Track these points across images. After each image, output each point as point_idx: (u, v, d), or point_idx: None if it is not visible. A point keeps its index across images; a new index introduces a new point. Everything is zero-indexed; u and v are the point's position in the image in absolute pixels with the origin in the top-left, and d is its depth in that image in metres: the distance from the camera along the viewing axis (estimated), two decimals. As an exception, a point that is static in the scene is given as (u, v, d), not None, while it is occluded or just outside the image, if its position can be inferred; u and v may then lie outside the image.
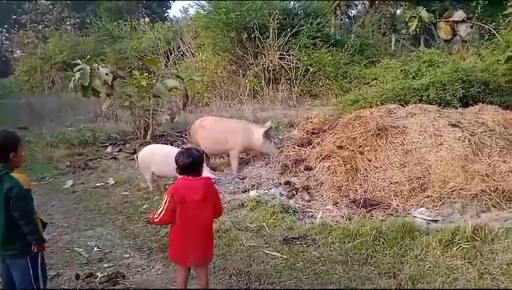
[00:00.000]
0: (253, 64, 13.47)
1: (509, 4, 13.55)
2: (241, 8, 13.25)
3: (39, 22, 30.14)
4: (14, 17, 38.34)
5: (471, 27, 17.02)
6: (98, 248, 4.49)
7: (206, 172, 5.94)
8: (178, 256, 3.17)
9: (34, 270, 2.87)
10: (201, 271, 3.23)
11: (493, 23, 14.40)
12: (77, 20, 37.81)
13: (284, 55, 13.25)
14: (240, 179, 6.65)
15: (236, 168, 6.93)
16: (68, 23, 37.19)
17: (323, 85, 13.06)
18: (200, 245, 3.10)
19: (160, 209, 3.04)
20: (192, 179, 3.06)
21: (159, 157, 5.95)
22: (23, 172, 2.92)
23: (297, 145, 7.10)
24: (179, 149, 5.41)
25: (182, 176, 3.11)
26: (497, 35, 13.42)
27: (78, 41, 22.44)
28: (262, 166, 7.14)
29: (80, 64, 8.91)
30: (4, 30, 40.70)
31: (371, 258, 4.02)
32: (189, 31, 17.06)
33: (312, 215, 5.21)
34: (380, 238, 4.29)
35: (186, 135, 9.19)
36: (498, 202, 5.00)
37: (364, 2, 27.60)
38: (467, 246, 4.02)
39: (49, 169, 7.65)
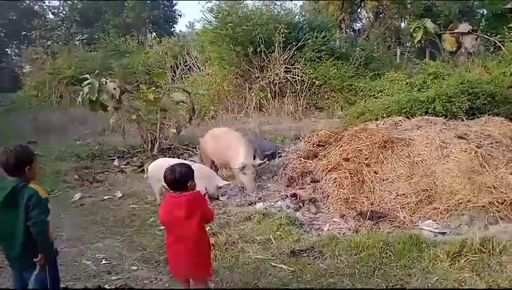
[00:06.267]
0: (259, 77, 13.59)
1: (514, 17, 13.62)
2: (247, 22, 13.41)
3: (48, 38, 30.64)
4: (23, 33, 39.01)
5: (476, 39, 17.08)
6: (106, 260, 4.51)
7: (218, 181, 6.05)
8: (171, 268, 3.35)
9: (51, 281, 2.91)
10: (197, 285, 3.28)
11: (498, 36, 14.46)
12: (85, 35, 38.42)
13: (289, 68, 13.36)
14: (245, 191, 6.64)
15: (240, 181, 6.74)
16: (77, 38, 37.76)
17: (328, 98, 13.14)
18: (188, 260, 3.12)
19: None
20: (176, 196, 3.09)
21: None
22: (39, 184, 2.98)
23: (304, 158, 7.12)
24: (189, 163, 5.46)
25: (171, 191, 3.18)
26: (502, 47, 13.46)
27: (86, 56, 22.75)
28: (268, 178, 7.16)
29: (88, 79, 9.03)
30: (14, 46, 41.38)
31: (378, 270, 4.00)
32: (196, 45, 17.27)
33: (319, 228, 5.20)
34: (387, 251, 4.27)
35: (193, 147, 9.25)
36: (506, 214, 4.96)
37: (369, 15, 27.83)
38: (474, 258, 3.99)
39: (57, 182, 7.71)
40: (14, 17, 39.35)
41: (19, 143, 3.22)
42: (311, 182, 6.43)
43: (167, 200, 3.18)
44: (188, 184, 3.09)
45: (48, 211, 2.91)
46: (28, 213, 2.79)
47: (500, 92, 9.49)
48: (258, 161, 6.75)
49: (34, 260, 2.85)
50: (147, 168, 6.54)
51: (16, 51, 40.76)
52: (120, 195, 6.86)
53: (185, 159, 8.00)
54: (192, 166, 3.34)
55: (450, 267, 3.92)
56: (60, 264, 4.21)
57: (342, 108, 12.46)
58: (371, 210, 5.30)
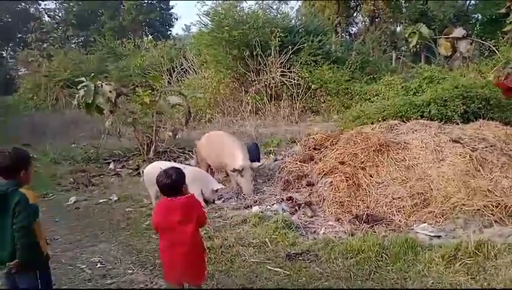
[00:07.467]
0: (255, 81, 13.61)
1: (507, 22, 13.71)
2: (243, 26, 13.45)
3: (44, 40, 30.50)
4: (19, 35, 38.88)
5: (471, 44, 17.16)
6: (101, 264, 4.49)
7: (214, 184, 6.06)
8: (165, 272, 3.29)
9: (43, 285, 2.89)
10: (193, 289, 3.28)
11: (492, 41, 14.55)
12: (81, 38, 38.37)
13: (285, 72, 13.40)
14: (241, 194, 6.63)
15: (237, 184, 6.73)
16: (73, 41, 37.69)
17: (324, 101, 13.17)
18: (184, 264, 3.10)
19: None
20: (171, 200, 3.07)
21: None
22: (31, 189, 2.95)
23: (300, 161, 7.12)
24: (185, 166, 5.46)
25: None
26: (496, 52, 13.53)
27: (82, 59, 22.70)
28: (264, 182, 7.16)
29: (84, 81, 9.00)
30: (9, 49, 41.23)
31: (374, 274, 4.01)
32: (192, 48, 17.28)
33: (315, 231, 5.20)
34: (383, 254, 4.28)
35: (189, 151, 9.25)
36: (500, 218, 4.98)
37: (365, 19, 27.97)
38: (469, 261, 4.00)
39: (52, 186, 7.68)
40: (10, 20, 39.22)
41: (13, 146, 3.21)
42: (307, 185, 6.43)
43: (162, 204, 3.16)
44: (182, 188, 3.08)
45: (36, 217, 2.88)
46: (15, 218, 2.76)
47: (494, 96, 9.52)
48: (257, 163, 6.76)
49: (9, 264, 2.80)
50: (143, 172, 6.53)
51: (11, 53, 40.60)
52: (115, 198, 6.84)
53: (181, 163, 7.99)
54: (184, 169, 3.33)
55: (445, 271, 3.93)
56: (55, 268, 4.21)
57: (337, 112, 12.48)
58: (367, 213, 5.31)
